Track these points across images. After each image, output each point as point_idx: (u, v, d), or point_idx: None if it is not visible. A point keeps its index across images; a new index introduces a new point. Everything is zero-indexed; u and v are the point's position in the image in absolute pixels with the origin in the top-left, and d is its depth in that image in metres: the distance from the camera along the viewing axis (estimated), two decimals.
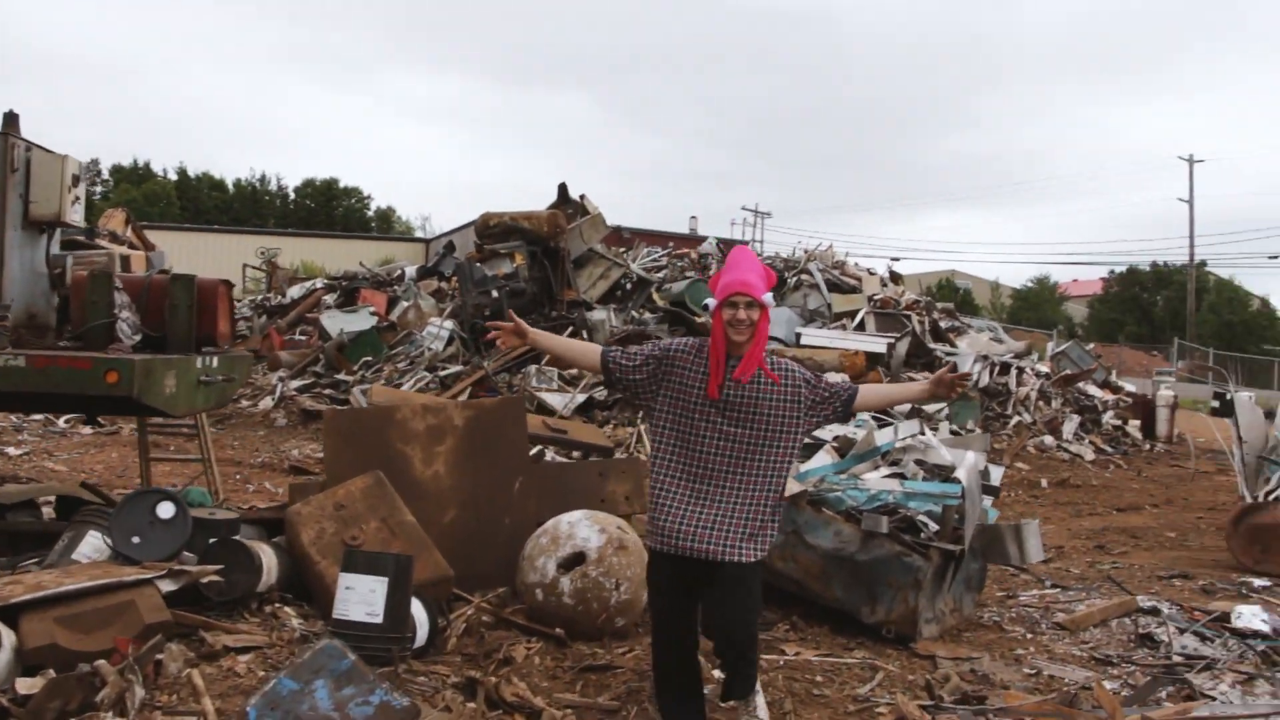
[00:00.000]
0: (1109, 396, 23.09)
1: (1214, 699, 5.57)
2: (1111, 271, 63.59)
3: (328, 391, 16.67)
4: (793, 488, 6.48)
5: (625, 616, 5.60)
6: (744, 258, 4.25)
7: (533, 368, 15.03)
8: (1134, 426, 21.99)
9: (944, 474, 6.97)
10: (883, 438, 7.17)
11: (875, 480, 6.68)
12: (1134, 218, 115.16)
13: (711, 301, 4.15)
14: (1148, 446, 20.86)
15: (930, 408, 17.46)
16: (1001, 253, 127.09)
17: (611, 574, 5.47)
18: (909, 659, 5.93)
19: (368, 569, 4.60)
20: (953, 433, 16.80)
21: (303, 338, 20.51)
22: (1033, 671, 5.90)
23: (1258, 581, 8.49)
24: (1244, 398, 10.13)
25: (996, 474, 7.43)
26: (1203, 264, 51.66)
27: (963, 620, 6.73)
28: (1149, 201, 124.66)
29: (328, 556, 5.22)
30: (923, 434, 7.43)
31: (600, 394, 14.54)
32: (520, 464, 6.40)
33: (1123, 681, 5.87)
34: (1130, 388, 25.30)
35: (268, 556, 5.24)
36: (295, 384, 17.01)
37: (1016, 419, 19.21)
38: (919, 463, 7.06)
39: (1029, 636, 6.71)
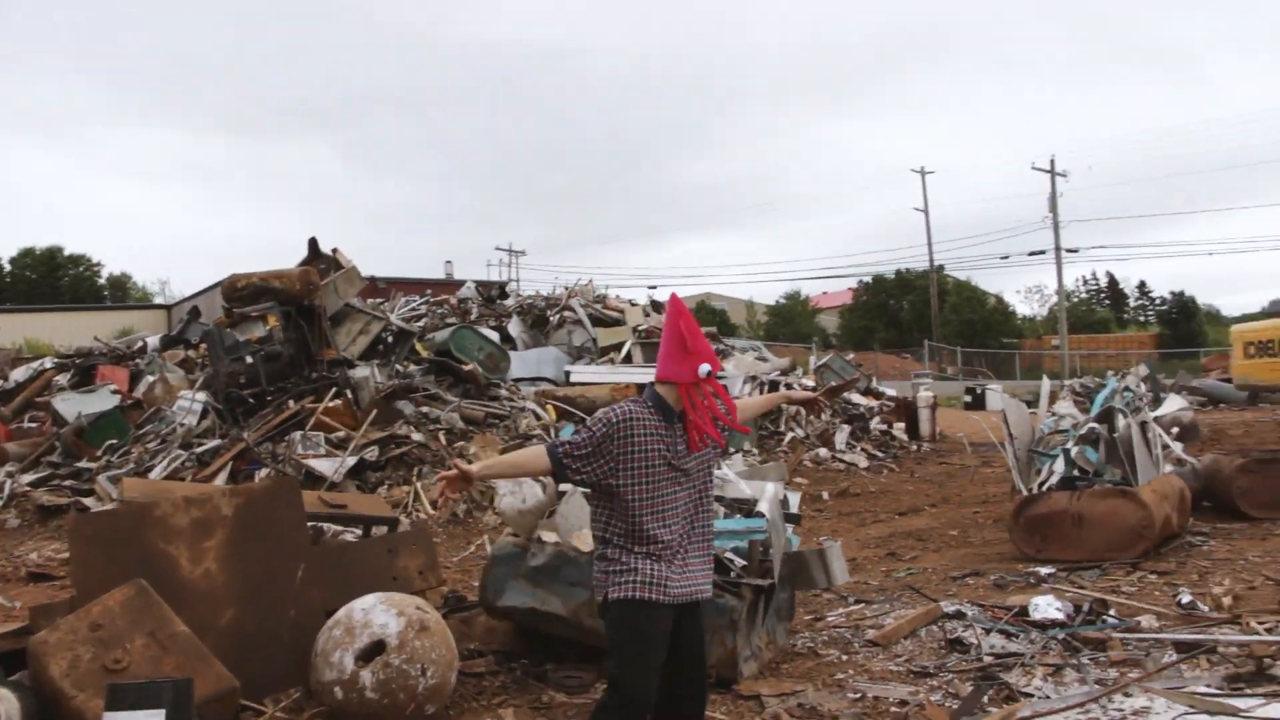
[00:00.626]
0: (873, 403, 23.95)
1: (1032, 695, 5.60)
2: (860, 281, 66.77)
3: (68, 483, 15.19)
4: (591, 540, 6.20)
5: (435, 703, 5.16)
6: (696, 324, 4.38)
7: (297, 434, 14.21)
8: (899, 429, 22.91)
9: (745, 507, 6.84)
10: None
11: None
12: (875, 229, 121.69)
13: (705, 368, 4.20)
14: (915, 447, 21.74)
15: None
16: (753, 272, 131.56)
17: (416, 659, 5.02)
18: (734, 702, 5.72)
19: (138, 702, 3.97)
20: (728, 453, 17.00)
21: (33, 425, 18.75)
22: (857, 695, 5.80)
23: (1043, 570, 8.78)
24: (1010, 398, 10.55)
25: (795, 500, 7.36)
26: (941, 268, 54.92)
27: (778, 652, 6.60)
28: (888, 212, 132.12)
29: (87, 689, 4.53)
30: (720, 469, 7.29)
31: (371, 454, 13.90)
32: (300, 549, 5.84)
33: (944, 691, 5.85)
34: (891, 392, 26.36)
35: (6, 702, 4.48)
36: (27, 478, 15.46)
37: (790, 435, 19.61)
38: (718, 499, 6.89)
39: (845, 658, 6.64)
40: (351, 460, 12.92)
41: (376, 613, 5.14)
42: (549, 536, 6.44)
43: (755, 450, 18.02)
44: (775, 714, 5.43)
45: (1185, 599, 7.30)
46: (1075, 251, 46.00)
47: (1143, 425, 9.70)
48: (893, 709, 5.60)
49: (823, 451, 19.20)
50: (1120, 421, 9.76)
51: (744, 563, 6.31)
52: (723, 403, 4.29)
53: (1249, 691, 5.25)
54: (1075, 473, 9.65)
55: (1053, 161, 44.60)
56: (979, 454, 21.21)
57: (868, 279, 65.65)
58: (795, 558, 6.72)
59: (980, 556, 10.06)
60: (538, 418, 16.31)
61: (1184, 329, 54.60)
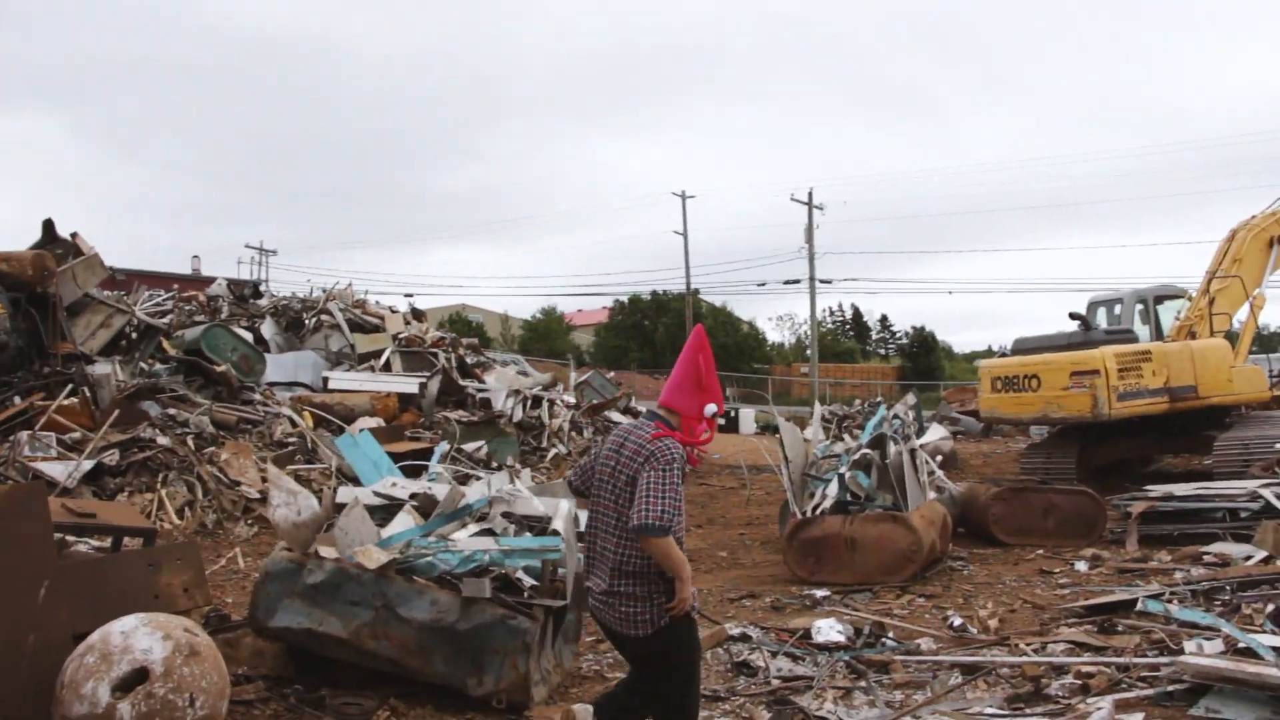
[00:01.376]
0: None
1: (826, 719, 5.60)
2: (615, 301, 67.49)
3: None
4: (377, 556, 5.80)
5: None
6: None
7: (24, 434, 12.91)
8: None
9: (535, 525, 6.59)
10: (473, 493, 6.65)
11: (467, 540, 6.14)
12: (634, 249, 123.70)
13: (711, 409, 4.31)
14: None
15: (469, 445, 17.21)
16: (510, 286, 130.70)
17: (184, 688, 4.50)
18: None
19: None
20: (493, 468, 16.67)
21: None
22: None
23: (819, 592, 8.93)
24: (787, 423, 10.71)
25: (584, 519, 7.15)
26: (697, 291, 56.15)
27: (565, 675, 6.38)
28: (647, 234, 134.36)
29: None
30: (512, 484, 7.02)
31: (110, 458, 12.77)
32: (45, 564, 5.16)
33: (736, 715, 5.78)
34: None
35: None
36: None
37: (554, 451, 19.45)
38: (507, 516, 6.62)
39: None
40: (88, 464, 11.82)
41: (139, 636, 4.58)
42: (328, 552, 5.99)
43: (519, 465, 17.75)
44: None
45: (956, 622, 7.55)
46: (829, 282, 48.06)
47: (912, 453, 10.06)
48: None
49: None
50: (891, 448, 10.08)
51: (534, 582, 6.06)
52: (708, 435, 4.39)
53: (1029, 712, 5.40)
54: (848, 497, 9.88)
55: (810, 194, 46.50)
56: (737, 476, 21.68)
57: (624, 299, 66.59)
58: (582, 577, 6.51)
59: (753, 578, 10.15)
60: (293, 424, 15.49)
61: (924, 362, 58.11)
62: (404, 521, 6.44)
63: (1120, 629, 6.89)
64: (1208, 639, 6.14)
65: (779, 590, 9.37)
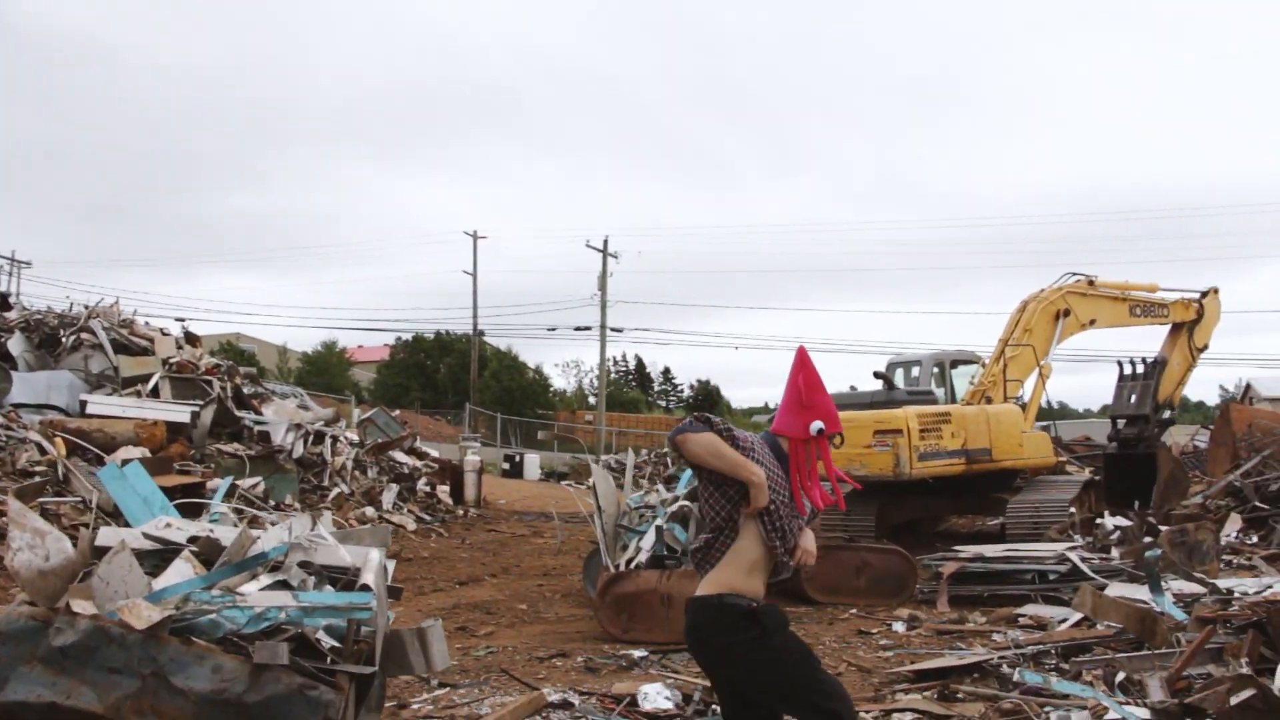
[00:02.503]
0: (418, 463, 23.07)
1: None
2: (398, 338, 65.64)
3: None
4: (146, 613, 4.82)
5: None
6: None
7: None
8: (444, 492, 22.17)
9: (340, 577, 5.71)
10: (267, 539, 5.70)
11: (259, 595, 5.20)
12: (421, 287, 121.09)
13: (818, 425, 3.89)
14: (461, 512, 21.06)
15: (245, 481, 15.88)
16: (289, 316, 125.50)
17: None
18: None
19: None
20: (276, 508, 15.38)
21: None
22: None
23: (636, 652, 8.30)
24: (600, 471, 10.09)
25: (391, 569, 6.31)
26: (483, 333, 55.15)
27: None
28: (435, 273, 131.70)
29: None
30: (314, 529, 6.09)
31: None
32: None
33: None
34: (434, 453, 25.58)
35: None
36: None
37: (336, 490, 18.22)
38: (305, 566, 5.71)
39: None
40: None
41: None
42: (82, 606, 4.95)
43: (297, 505, 16.49)
44: None
45: None
46: (620, 331, 48.01)
47: None
48: None
49: (369, 511, 18.02)
50: None
51: (334, 644, 5.20)
52: (823, 464, 3.95)
53: None
54: (664, 551, 9.33)
55: (605, 242, 46.43)
56: (527, 523, 20.95)
57: (407, 336, 64.80)
58: (390, 638, 5.68)
59: (561, 634, 9.46)
60: (42, 451, 13.84)
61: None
62: (181, 570, 5.44)
63: (960, 696, 6.54)
64: (1057, 708, 5.85)
65: (591, 648, 8.70)
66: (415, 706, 6.71)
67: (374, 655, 5.18)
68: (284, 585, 5.45)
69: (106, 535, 5.78)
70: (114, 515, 9.47)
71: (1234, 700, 4.85)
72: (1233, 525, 13.09)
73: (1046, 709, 5.83)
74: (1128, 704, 5.21)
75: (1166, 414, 18.33)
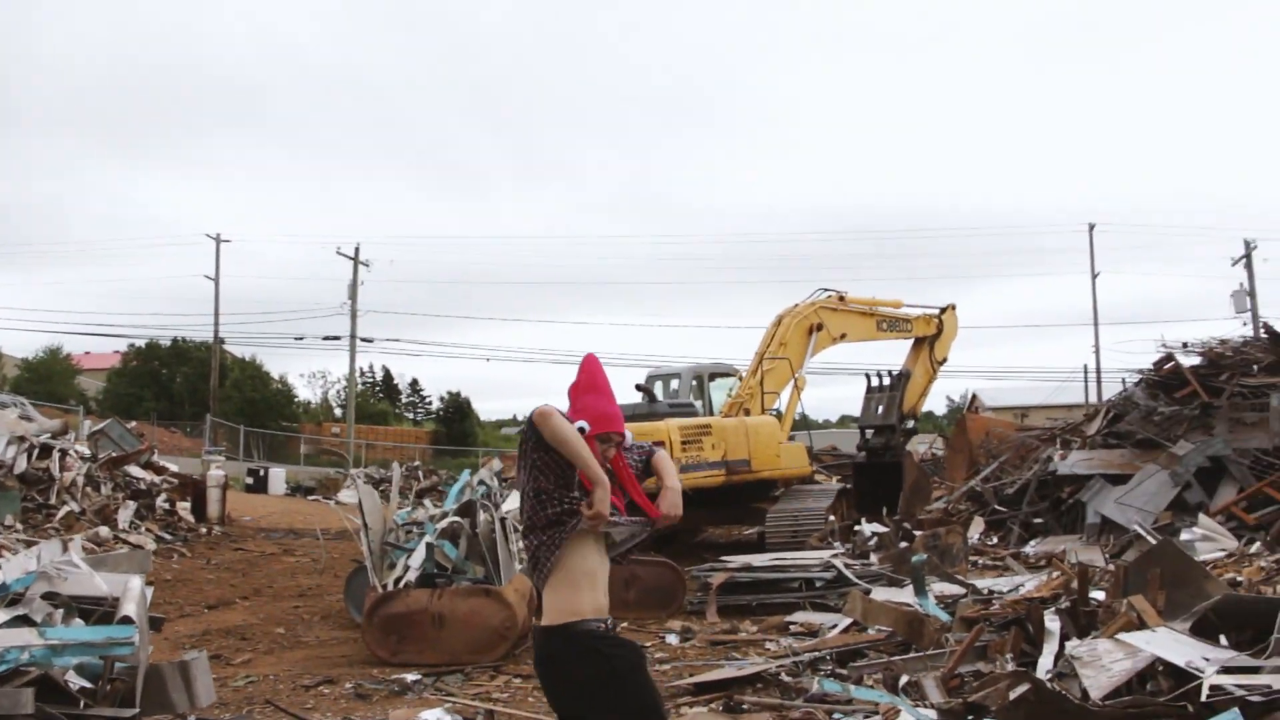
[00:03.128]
0: (156, 478, 21.64)
1: None
2: (130, 345, 61.58)
3: None
4: None
5: None
6: (603, 375, 3.93)
7: None
8: (185, 509, 20.87)
9: (91, 608, 5.18)
10: (10, 569, 5.08)
11: None
12: (157, 291, 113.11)
13: (585, 425, 3.70)
14: (205, 530, 19.87)
15: None
16: (5, 318, 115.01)
17: None
18: None
19: None
20: None
21: None
22: None
23: (409, 676, 7.96)
24: (366, 486, 9.64)
25: (149, 596, 5.79)
26: (223, 341, 52.43)
27: None
28: (172, 277, 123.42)
29: None
30: (66, 555, 5.47)
31: None
32: None
33: None
34: (174, 467, 24.08)
35: None
36: None
37: (66, 509, 16.81)
38: (49, 598, 5.14)
39: None
40: None
41: None
42: None
43: (20, 525, 15.11)
44: None
45: None
46: (370, 341, 46.66)
47: (502, 521, 9.37)
48: None
49: (104, 530, 16.66)
50: (481, 516, 9.35)
51: (88, 684, 4.71)
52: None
53: None
54: (435, 569, 9.02)
55: (357, 249, 45.09)
56: (276, 540, 19.99)
57: (140, 343, 60.88)
58: (150, 675, 5.19)
59: (324, 659, 8.98)
60: None
61: (458, 428, 57.75)
62: None
63: (746, 707, 6.58)
64: (846, 714, 5.96)
65: (359, 673, 8.29)
66: None
67: (134, 695, 4.71)
68: (26, 621, 4.90)
69: None
70: None
71: (1012, 696, 5.05)
72: (976, 528, 13.89)
73: (835, 715, 5.93)
74: (918, 706, 5.34)
75: (910, 424, 19.31)
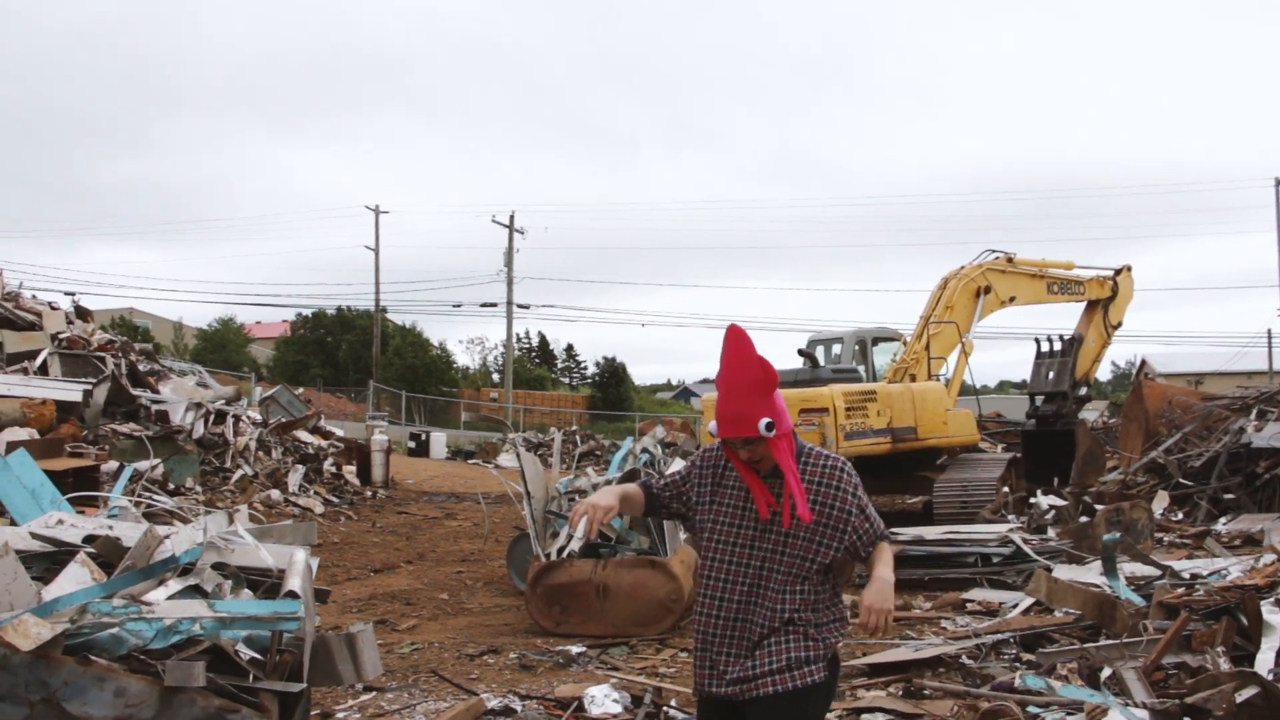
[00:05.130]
0: (323, 443, 22.24)
1: None
2: (298, 315, 63.88)
3: None
4: (34, 630, 4.18)
5: None
6: (734, 360, 3.27)
7: None
8: (350, 472, 21.40)
9: (258, 580, 5.13)
10: (178, 539, 5.07)
11: (168, 604, 4.59)
12: (319, 262, 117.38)
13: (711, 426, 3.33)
14: (369, 494, 20.33)
15: (143, 464, 14.99)
16: (183, 291, 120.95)
17: None
18: None
19: None
20: (176, 492, 14.54)
21: None
22: None
23: (573, 648, 7.82)
24: (527, 453, 9.52)
25: (314, 567, 5.73)
26: (385, 310, 53.86)
27: None
28: (335, 248, 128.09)
29: None
30: (231, 526, 5.46)
31: None
32: None
33: None
34: (340, 432, 24.75)
35: None
36: None
37: (240, 472, 17.36)
38: (219, 568, 5.11)
39: None
40: None
41: None
42: None
43: (199, 489, 15.65)
44: None
45: None
46: (526, 307, 47.21)
47: None
48: None
49: (275, 493, 17.19)
50: None
51: (254, 656, 4.64)
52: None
53: None
54: (599, 539, 8.85)
55: (512, 217, 45.58)
56: (437, 504, 20.32)
57: (307, 313, 63.09)
58: (317, 647, 5.11)
59: (488, 628, 8.93)
60: None
61: (613, 393, 58.08)
62: (77, 576, 4.80)
63: (928, 693, 6.20)
64: (1043, 706, 5.52)
65: (523, 643, 8.20)
66: (340, 716, 6.15)
67: (301, 669, 4.62)
68: (197, 592, 4.86)
69: None
70: None
71: (1240, 699, 4.56)
72: (1160, 503, 13.05)
73: (1030, 708, 5.50)
74: (1129, 706, 4.88)
75: (1083, 390, 18.41)
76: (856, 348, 17.41)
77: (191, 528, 5.34)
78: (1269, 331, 49.37)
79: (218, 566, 5.09)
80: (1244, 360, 46.86)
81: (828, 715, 3.41)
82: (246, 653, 4.65)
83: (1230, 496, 13.33)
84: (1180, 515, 13.23)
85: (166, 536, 5.11)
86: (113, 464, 13.96)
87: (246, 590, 5.04)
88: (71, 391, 16.19)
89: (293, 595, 4.64)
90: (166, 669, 4.15)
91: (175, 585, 4.81)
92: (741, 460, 3.34)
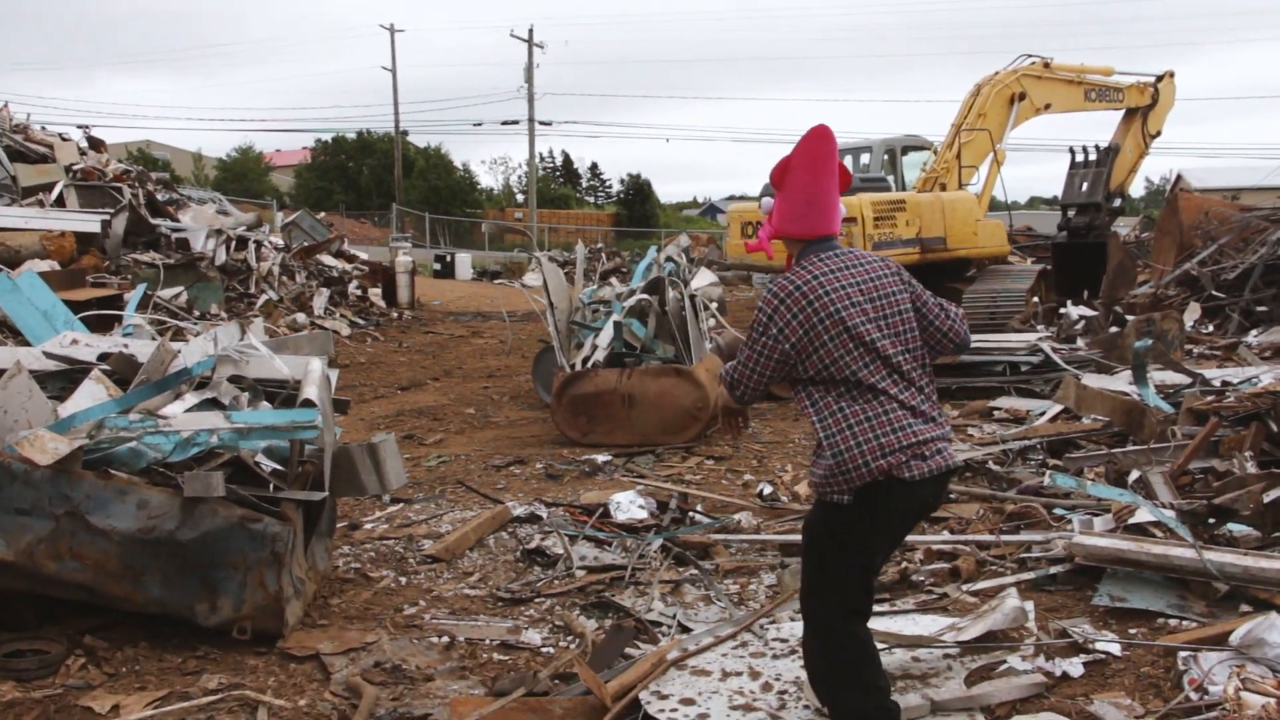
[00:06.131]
0: (347, 266, 22.20)
1: (660, 624, 4.55)
2: (317, 140, 63.09)
3: None
4: (51, 446, 4.16)
5: None
6: (827, 160, 3.34)
7: None
8: (376, 295, 21.43)
9: (275, 391, 5.10)
10: (190, 352, 5.02)
11: (185, 417, 4.56)
12: (336, 86, 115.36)
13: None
14: (395, 315, 20.38)
15: (166, 292, 15.03)
16: (200, 121, 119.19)
17: None
18: (284, 667, 4.11)
19: None
20: (201, 318, 14.59)
21: None
22: (443, 640, 4.42)
23: (599, 457, 7.86)
24: (550, 264, 9.37)
25: (334, 379, 5.70)
26: (406, 133, 53.08)
27: (320, 580, 5.01)
28: (353, 70, 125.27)
29: None
30: (244, 339, 5.39)
31: None
32: None
33: (547, 623, 4.65)
34: (364, 255, 24.68)
35: None
36: None
37: (265, 297, 17.38)
38: (236, 380, 5.06)
39: (404, 582, 5.24)
40: None
41: None
42: None
43: (224, 314, 15.68)
44: (350, 683, 3.91)
45: (766, 490, 6.65)
46: (549, 124, 46.36)
47: (692, 299, 9.02)
48: (496, 655, 4.30)
49: (300, 317, 17.22)
50: (670, 294, 9.01)
51: (276, 467, 4.64)
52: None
53: (903, 607, 4.54)
54: (624, 348, 8.79)
55: (531, 31, 44.27)
56: (463, 323, 20.37)
57: (327, 138, 62.25)
58: (339, 457, 5.10)
59: (514, 440, 8.99)
60: None
61: (639, 210, 57.46)
62: (92, 393, 4.77)
63: (954, 497, 6.18)
64: (1069, 509, 5.49)
65: (549, 453, 8.25)
66: (369, 526, 6.21)
67: (323, 479, 4.62)
68: (214, 404, 4.83)
69: (1, 355, 5.07)
70: (13, 334, 8.61)
71: (1267, 499, 4.49)
72: (1192, 315, 12.84)
73: (1056, 510, 5.47)
74: (1158, 505, 4.83)
75: (1118, 202, 17.93)
76: (885, 156, 16.96)
77: (202, 339, 5.27)
78: None
79: (234, 380, 5.06)
80: None
81: None
82: (268, 464, 4.65)
83: (1263, 309, 13.09)
84: (1211, 328, 13.03)
85: (179, 351, 5.05)
86: (142, 289, 13.97)
87: (265, 402, 5.01)
88: (90, 222, 16.07)
89: (309, 404, 4.60)
90: (185, 480, 4.15)
91: (191, 399, 4.78)
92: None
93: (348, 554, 5.65)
